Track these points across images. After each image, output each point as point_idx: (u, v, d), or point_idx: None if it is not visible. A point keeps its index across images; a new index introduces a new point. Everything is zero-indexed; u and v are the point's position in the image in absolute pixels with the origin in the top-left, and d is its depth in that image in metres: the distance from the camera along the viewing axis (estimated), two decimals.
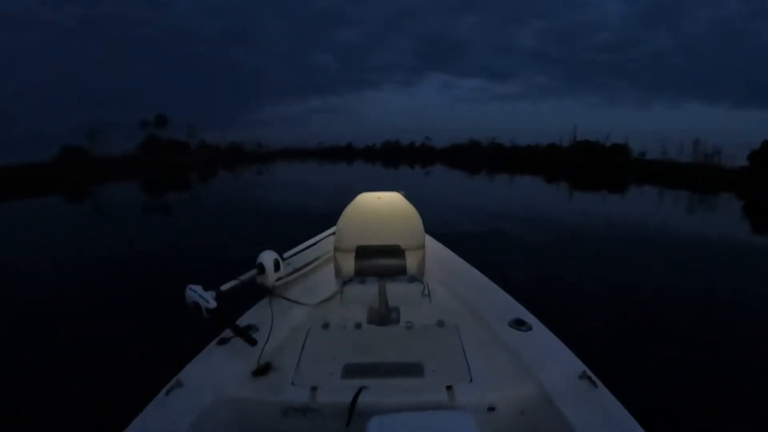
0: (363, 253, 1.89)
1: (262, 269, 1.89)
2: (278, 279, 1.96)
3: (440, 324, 1.82)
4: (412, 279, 2.08)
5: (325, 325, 1.84)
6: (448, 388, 1.39)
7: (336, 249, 1.95)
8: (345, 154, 54.52)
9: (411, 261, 1.89)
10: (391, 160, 35.99)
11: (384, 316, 1.89)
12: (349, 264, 1.89)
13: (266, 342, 1.59)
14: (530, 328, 1.68)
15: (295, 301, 1.93)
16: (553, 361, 1.46)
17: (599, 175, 19.91)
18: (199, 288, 1.53)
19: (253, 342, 1.55)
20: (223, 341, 1.60)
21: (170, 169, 26.08)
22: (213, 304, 1.51)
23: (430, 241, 2.24)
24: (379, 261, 1.88)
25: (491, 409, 1.37)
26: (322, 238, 2.53)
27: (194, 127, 41.22)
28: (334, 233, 2.16)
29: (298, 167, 31.21)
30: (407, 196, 2.13)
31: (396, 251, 1.89)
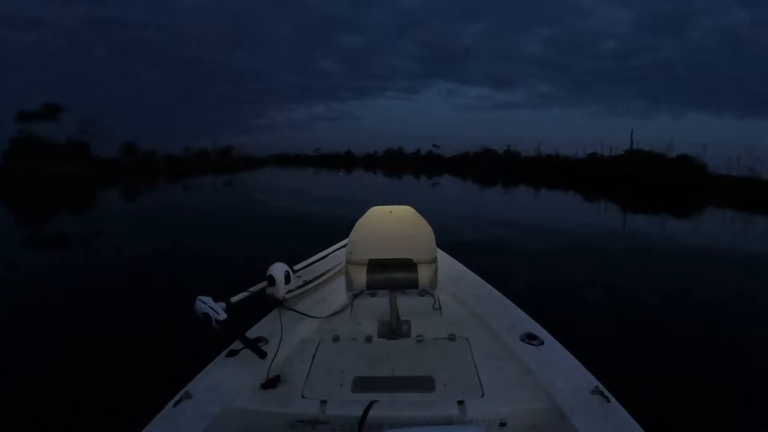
0: (375, 266, 1.89)
1: (272, 281, 1.89)
2: (288, 291, 1.97)
3: (451, 338, 1.81)
4: (423, 292, 2.08)
5: (335, 338, 1.83)
6: (460, 402, 1.38)
7: (348, 262, 1.95)
8: (344, 161, 51.73)
9: (423, 274, 1.89)
10: (394, 170, 33.84)
11: (395, 329, 1.88)
12: (360, 277, 1.89)
13: (276, 354, 1.59)
14: (542, 343, 1.67)
15: (305, 314, 1.93)
16: (565, 376, 1.45)
17: (661, 192, 15.97)
18: (209, 299, 1.54)
19: (262, 354, 1.55)
20: (233, 353, 1.60)
21: (51, 184, 18.20)
22: (223, 315, 1.52)
23: (441, 255, 2.25)
24: (390, 274, 1.88)
25: (503, 424, 1.36)
26: (333, 251, 2.54)
27: (95, 118, 27.54)
28: (344, 246, 2.16)
29: (281, 176, 28.94)
30: (419, 210, 2.14)
31: (408, 265, 1.89)
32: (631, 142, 23.08)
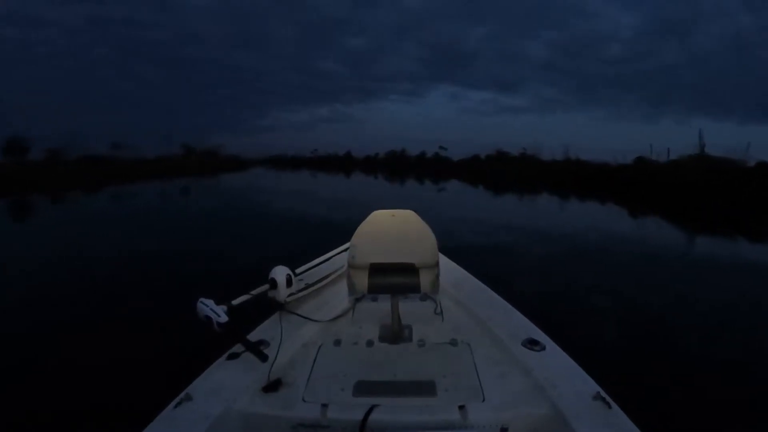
0: (377, 270, 1.89)
1: (274, 284, 1.89)
2: (290, 294, 1.97)
3: (453, 342, 1.81)
4: (425, 297, 2.08)
5: (337, 342, 1.83)
6: (461, 407, 1.38)
7: (350, 265, 1.95)
8: (343, 163, 47.75)
9: (424, 279, 1.89)
10: (396, 173, 31.49)
11: (396, 333, 1.88)
12: (362, 281, 1.89)
13: (277, 357, 1.59)
14: (543, 348, 1.66)
15: (306, 317, 1.93)
16: (566, 382, 1.44)
17: (738, 208, 11.83)
18: (210, 302, 1.55)
19: (263, 357, 1.55)
20: (234, 356, 1.60)
21: None
22: (224, 318, 1.52)
23: (442, 260, 2.25)
24: (392, 278, 1.87)
25: (504, 429, 1.35)
26: (335, 255, 2.54)
27: None
28: (346, 250, 2.17)
29: (262, 180, 26.26)
30: (420, 214, 2.13)
31: (410, 269, 1.89)
32: (701, 146, 17.38)
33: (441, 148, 39.51)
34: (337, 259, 2.50)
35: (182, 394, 1.37)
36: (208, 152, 40.84)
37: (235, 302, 1.71)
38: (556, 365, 1.56)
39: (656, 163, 18.97)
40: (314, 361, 1.69)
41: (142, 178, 22.79)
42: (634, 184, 16.25)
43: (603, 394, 1.34)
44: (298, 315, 1.93)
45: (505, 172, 25.22)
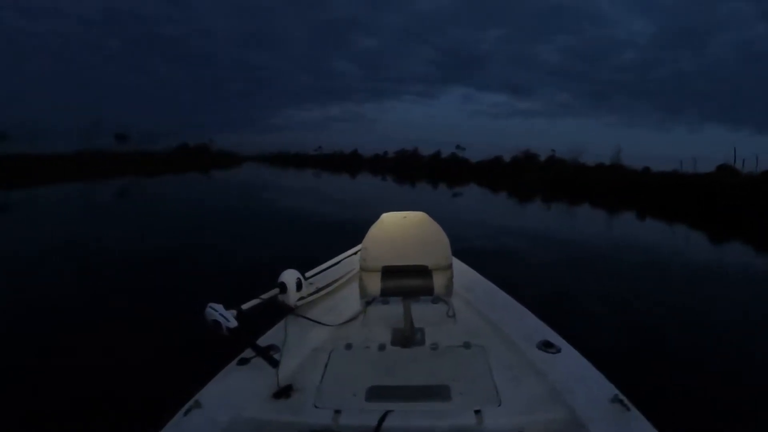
0: (389, 273, 1.86)
1: (284, 288, 1.87)
2: (300, 298, 1.95)
3: (466, 345, 1.77)
4: (437, 299, 2.05)
5: (348, 346, 1.80)
6: (477, 412, 1.35)
7: (362, 269, 1.93)
8: (349, 162, 44.96)
9: (437, 281, 1.86)
10: (406, 175, 29.41)
11: (409, 337, 1.85)
12: (374, 284, 1.87)
13: (287, 363, 1.57)
14: (559, 351, 1.62)
15: (317, 321, 1.91)
16: (583, 385, 1.41)
17: None
18: (219, 307, 1.53)
19: (274, 362, 1.53)
20: (244, 361, 1.58)
21: None
22: (233, 323, 1.50)
23: (455, 262, 2.22)
24: (405, 281, 1.85)
25: None
26: (345, 258, 2.52)
27: None
28: (356, 253, 2.14)
29: (239, 182, 24.50)
30: (433, 216, 2.10)
31: (422, 271, 1.86)
32: None
33: (458, 147, 36.89)
34: (347, 262, 2.48)
35: (191, 401, 1.36)
36: (200, 147, 38.58)
37: (244, 307, 1.69)
38: (572, 368, 1.52)
39: (749, 175, 15.06)
40: (325, 366, 1.66)
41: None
42: (717, 198, 12.41)
43: (621, 396, 1.31)
44: (308, 319, 1.91)
45: (536, 177, 22.21)
